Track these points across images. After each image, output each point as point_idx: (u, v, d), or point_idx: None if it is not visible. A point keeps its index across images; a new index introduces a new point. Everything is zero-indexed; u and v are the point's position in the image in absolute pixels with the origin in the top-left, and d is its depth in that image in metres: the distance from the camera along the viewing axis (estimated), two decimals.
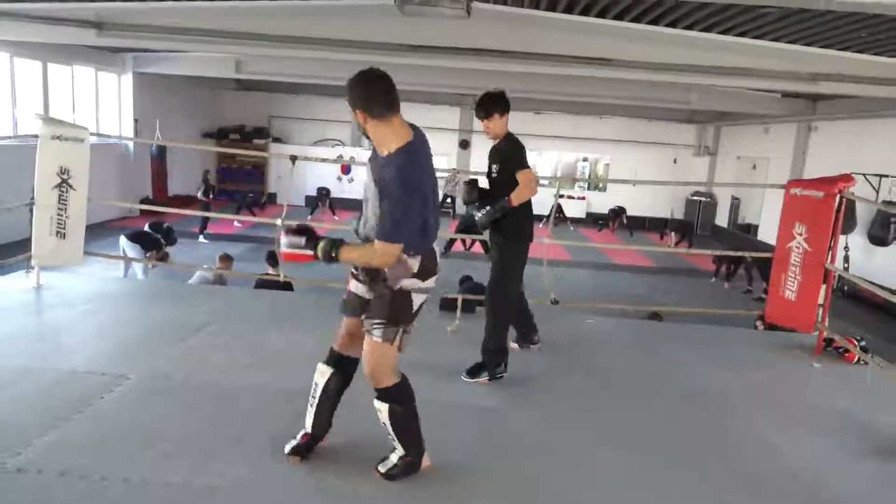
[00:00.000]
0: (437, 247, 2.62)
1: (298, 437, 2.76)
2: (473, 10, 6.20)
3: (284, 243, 2.52)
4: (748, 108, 15.15)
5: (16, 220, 5.01)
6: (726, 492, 2.84)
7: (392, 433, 2.59)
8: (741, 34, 8.18)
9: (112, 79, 15.67)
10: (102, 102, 15.36)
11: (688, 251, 14.97)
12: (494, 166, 3.77)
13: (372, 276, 2.52)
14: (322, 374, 2.71)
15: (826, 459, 3.20)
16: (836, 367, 4.52)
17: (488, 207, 3.69)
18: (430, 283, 2.57)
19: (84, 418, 2.97)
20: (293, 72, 14.73)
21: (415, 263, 2.49)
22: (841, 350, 4.65)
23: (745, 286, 12.71)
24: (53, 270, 5.24)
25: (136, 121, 15.95)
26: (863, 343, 4.66)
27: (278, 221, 4.89)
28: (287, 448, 2.74)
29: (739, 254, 11.44)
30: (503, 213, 3.65)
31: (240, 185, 19.82)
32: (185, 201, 16.65)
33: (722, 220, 20.15)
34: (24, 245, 4.98)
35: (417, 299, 2.54)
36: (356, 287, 2.63)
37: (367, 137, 2.52)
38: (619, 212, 19.57)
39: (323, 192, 18.40)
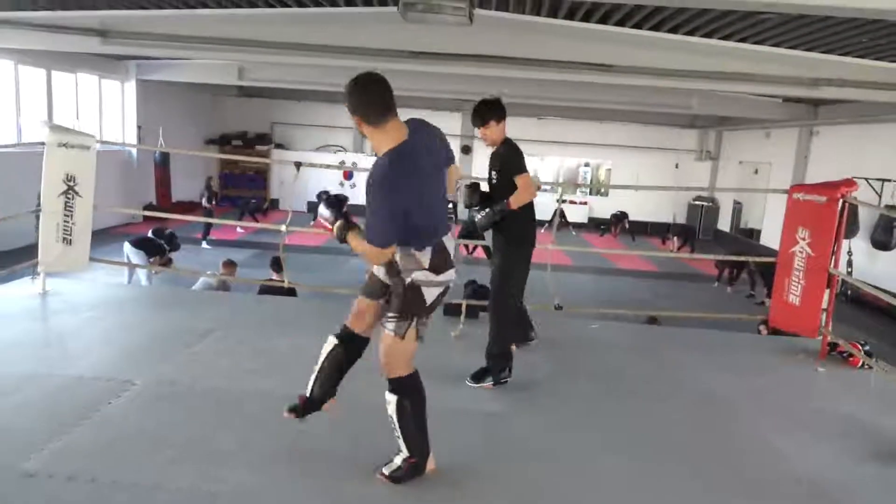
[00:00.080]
0: (451, 241, 2.64)
1: (297, 397, 2.82)
2: (475, 16, 6.23)
3: (319, 211, 2.68)
4: (750, 112, 15.19)
5: (21, 226, 5.05)
6: (730, 497, 2.84)
7: (397, 429, 2.61)
8: (742, 40, 8.21)
9: (115, 86, 15.76)
10: (106, 110, 15.45)
11: (690, 256, 14.97)
12: (494, 172, 3.79)
13: (388, 266, 2.60)
14: (329, 344, 2.78)
15: (830, 464, 3.20)
16: (840, 372, 4.52)
17: (488, 209, 3.71)
18: (447, 276, 2.58)
19: (91, 424, 2.99)
20: (295, 78, 14.82)
21: (424, 257, 2.52)
22: (845, 354, 4.65)
23: (747, 290, 12.71)
24: (58, 276, 5.26)
25: (139, 128, 16.03)
26: (867, 347, 4.66)
27: (282, 227, 4.91)
28: (286, 406, 2.80)
29: (742, 259, 11.46)
30: (503, 216, 3.67)
31: (242, 190, 19.89)
32: (189, 207, 16.72)
33: (724, 224, 20.15)
34: (28, 251, 5.01)
35: (431, 293, 2.56)
36: (378, 270, 2.69)
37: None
38: (621, 217, 19.59)
39: (324, 197, 18.42)
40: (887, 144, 12.45)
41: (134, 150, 15.98)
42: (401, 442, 2.63)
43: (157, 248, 9.54)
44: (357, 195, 19.74)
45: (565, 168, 22.11)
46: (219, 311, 5.06)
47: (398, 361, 2.58)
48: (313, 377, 2.79)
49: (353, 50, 9.05)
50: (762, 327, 6.77)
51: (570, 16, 8.05)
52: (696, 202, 20.64)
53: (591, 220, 20.85)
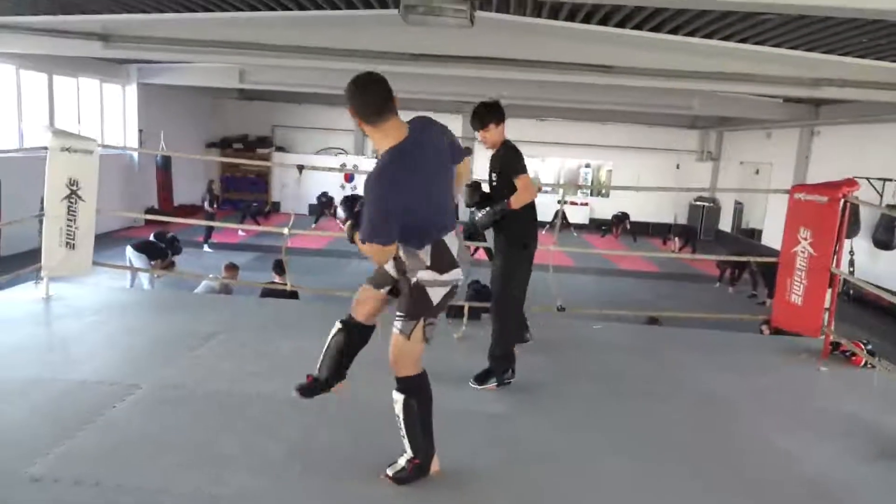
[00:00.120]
0: (455, 240, 2.60)
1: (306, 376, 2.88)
2: (476, 18, 6.24)
3: (337, 213, 2.74)
4: (750, 113, 15.20)
5: (24, 230, 5.06)
6: (732, 497, 2.85)
7: (403, 429, 2.61)
8: (742, 40, 8.22)
9: (117, 90, 15.80)
10: (107, 113, 15.48)
11: (692, 256, 14.98)
12: (494, 174, 3.81)
13: (395, 263, 2.62)
14: (335, 327, 2.84)
15: (833, 463, 3.20)
16: (842, 371, 4.52)
17: (488, 208, 3.72)
18: (452, 275, 2.57)
19: (96, 428, 3.00)
20: (296, 81, 14.86)
21: (425, 255, 2.52)
22: (848, 354, 4.65)
23: (749, 291, 12.71)
24: (61, 281, 5.27)
25: (140, 131, 16.06)
26: (869, 346, 4.66)
27: (285, 230, 4.92)
28: (295, 385, 2.86)
29: (744, 259, 11.45)
30: (503, 215, 3.68)
31: (244, 194, 19.93)
32: (191, 211, 16.75)
33: (725, 225, 20.15)
34: (31, 256, 5.02)
35: (436, 293, 2.56)
36: (388, 266, 2.70)
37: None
38: (622, 217, 19.60)
39: (324, 201, 18.43)
40: (888, 144, 12.46)
41: (135, 154, 16.01)
42: (406, 442, 2.64)
43: (159, 251, 9.56)
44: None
45: (566, 169, 22.13)
46: (221, 314, 5.07)
47: (406, 361, 2.60)
48: (320, 359, 2.86)
49: (354, 52, 9.07)
50: (764, 327, 6.77)
51: (570, 17, 8.06)
52: (698, 203, 20.65)
53: (592, 221, 20.86)
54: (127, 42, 9.49)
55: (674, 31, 8.13)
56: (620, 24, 8.11)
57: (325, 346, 2.84)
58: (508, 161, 3.71)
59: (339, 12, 8.47)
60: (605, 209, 20.71)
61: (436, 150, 2.55)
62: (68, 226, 4.83)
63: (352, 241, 2.61)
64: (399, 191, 2.40)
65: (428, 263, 2.53)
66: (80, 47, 9.63)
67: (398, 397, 2.60)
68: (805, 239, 4.64)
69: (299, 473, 2.74)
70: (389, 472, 2.67)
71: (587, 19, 8.08)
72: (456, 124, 20.12)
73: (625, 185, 20.23)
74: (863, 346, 4.58)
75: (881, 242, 11.99)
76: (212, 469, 2.71)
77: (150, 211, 14.98)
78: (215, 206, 15.56)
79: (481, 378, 3.75)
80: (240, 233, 15.40)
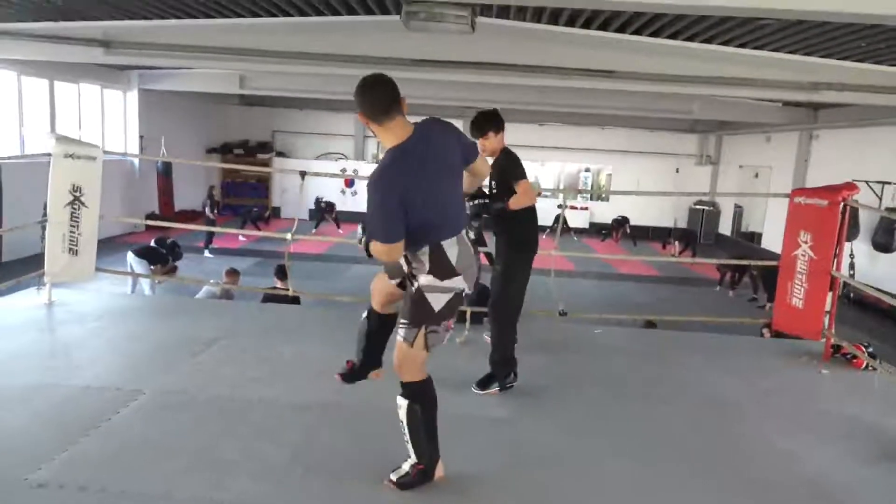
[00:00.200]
0: (456, 245, 2.56)
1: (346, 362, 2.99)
2: (476, 24, 6.27)
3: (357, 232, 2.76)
4: (749, 117, 15.24)
5: (26, 236, 5.08)
6: (734, 497, 2.86)
7: (407, 434, 2.62)
8: (741, 45, 8.25)
9: (118, 96, 15.85)
10: (108, 119, 15.52)
11: (692, 260, 15.00)
12: (493, 181, 3.83)
13: (406, 266, 2.63)
14: (362, 315, 2.98)
15: (835, 465, 3.21)
16: (843, 374, 4.53)
17: (478, 201, 3.71)
18: (452, 283, 2.56)
19: (100, 433, 3.01)
20: (296, 87, 14.89)
21: (424, 257, 2.53)
22: (849, 356, 4.66)
23: (749, 294, 12.71)
24: (63, 287, 5.28)
25: (141, 137, 16.09)
26: (870, 349, 4.67)
27: (288, 235, 4.93)
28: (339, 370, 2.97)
29: (744, 262, 11.46)
30: (498, 213, 3.68)
31: (244, 199, 19.97)
32: (192, 216, 16.77)
33: (725, 228, 20.18)
34: (33, 261, 5.04)
35: (437, 300, 2.55)
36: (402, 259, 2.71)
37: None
38: (622, 221, 19.62)
39: (324, 206, 18.43)
40: (887, 147, 12.49)
41: (136, 160, 16.04)
42: (410, 447, 2.64)
43: (161, 257, 9.57)
44: (358, 203, 19.81)
45: (566, 173, 22.17)
46: (222, 319, 5.08)
47: (410, 367, 2.60)
48: (356, 343, 2.97)
49: (355, 58, 9.09)
50: (765, 330, 6.79)
51: (570, 23, 8.09)
52: (697, 206, 20.68)
53: (592, 225, 20.88)
54: (128, 48, 9.51)
55: (673, 36, 8.16)
56: (620, 30, 8.13)
57: (357, 334, 2.97)
58: (507, 168, 3.74)
59: (340, 18, 8.50)
60: (605, 213, 20.73)
61: (442, 150, 2.55)
62: (71, 232, 4.85)
63: (367, 251, 2.59)
64: (400, 189, 2.41)
65: (427, 267, 2.54)
66: (81, 53, 9.65)
67: (402, 402, 2.60)
68: (805, 242, 4.65)
69: (300, 478, 2.75)
70: (393, 477, 2.68)
71: (587, 25, 8.10)
72: None
73: (625, 190, 20.24)
74: (864, 349, 4.59)
75: (880, 245, 12.01)
76: (213, 474, 2.72)
77: (151, 216, 15.01)
78: (216, 211, 15.58)
79: (483, 383, 3.77)
80: (240, 238, 15.41)
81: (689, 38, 8.17)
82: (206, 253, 13.88)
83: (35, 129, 12.66)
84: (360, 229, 2.69)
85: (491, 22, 7.88)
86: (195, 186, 18.23)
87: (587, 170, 22.22)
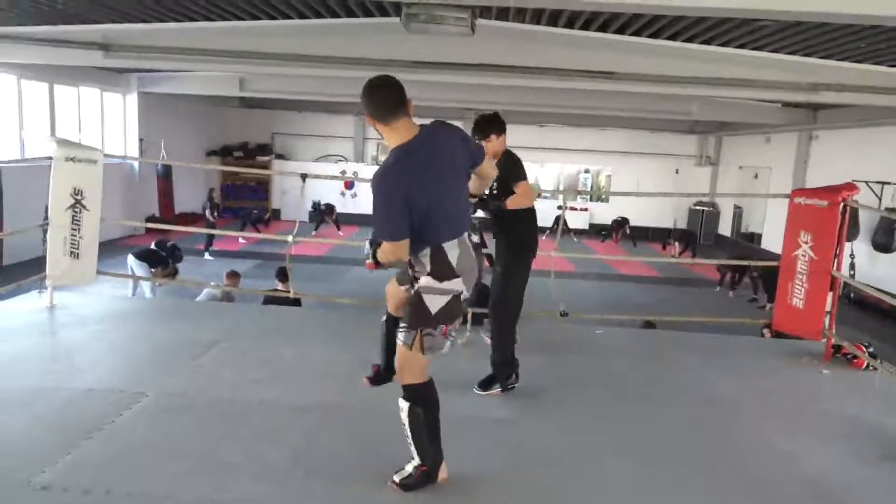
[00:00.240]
0: (457, 248, 2.57)
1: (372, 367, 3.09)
2: (476, 26, 6.28)
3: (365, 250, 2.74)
4: (749, 118, 15.25)
5: (27, 239, 5.08)
6: (736, 498, 2.86)
7: (409, 436, 2.63)
8: (740, 46, 8.25)
9: (117, 99, 15.85)
10: (108, 122, 15.52)
11: (692, 261, 15.01)
12: (494, 183, 3.84)
13: (412, 268, 2.64)
14: (381, 318, 3.08)
15: (835, 465, 3.22)
16: (844, 374, 4.53)
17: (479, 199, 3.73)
18: (451, 284, 2.56)
19: (104, 436, 3.02)
20: (296, 89, 14.91)
21: (425, 259, 2.54)
22: (849, 356, 4.67)
23: (749, 295, 12.72)
24: (65, 290, 5.29)
25: (141, 140, 16.10)
26: (871, 349, 4.68)
27: (289, 238, 4.94)
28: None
29: (744, 263, 11.47)
30: (496, 211, 3.70)
31: (244, 202, 19.96)
32: (192, 219, 16.78)
33: (725, 229, 20.19)
34: (34, 264, 5.04)
35: (434, 301, 2.55)
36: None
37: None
38: (622, 222, 19.63)
39: (324, 209, 18.43)
40: (886, 148, 12.51)
41: (136, 163, 16.04)
42: (413, 449, 2.65)
43: (161, 259, 9.58)
44: (358, 205, 19.83)
45: (566, 175, 22.18)
46: (223, 321, 5.09)
47: (410, 370, 2.61)
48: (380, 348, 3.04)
49: (354, 60, 9.11)
50: (766, 331, 6.79)
51: (569, 24, 8.10)
52: (697, 207, 20.69)
53: (592, 226, 20.89)
54: (128, 51, 9.53)
55: (672, 38, 8.17)
56: (619, 31, 8.14)
57: (380, 338, 3.03)
58: (508, 170, 3.76)
59: (339, 20, 8.51)
60: (604, 214, 20.74)
61: (448, 153, 2.57)
62: (72, 235, 4.86)
63: (375, 259, 2.60)
64: (404, 189, 2.43)
65: (428, 269, 2.55)
66: (81, 57, 9.67)
67: (403, 405, 2.61)
68: (806, 243, 4.66)
69: (301, 480, 2.75)
70: (396, 478, 2.68)
71: (586, 26, 8.11)
72: None
73: (624, 191, 20.25)
74: (864, 349, 4.60)
75: (880, 245, 12.02)
76: (215, 476, 2.73)
77: (151, 219, 15.00)
78: (216, 214, 15.59)
79: (485, 384, 3.78)
80: (240, 240, 15.42)
81: (689, 40, 8.18)
82: (207, 255, 13.88)
83: (35, 132, 12.67)
84: (367, 245, 2.66)
85: (490, 24, 7.89)
86: (195, 189, 18.23)
87: (587, 171, 22.24)
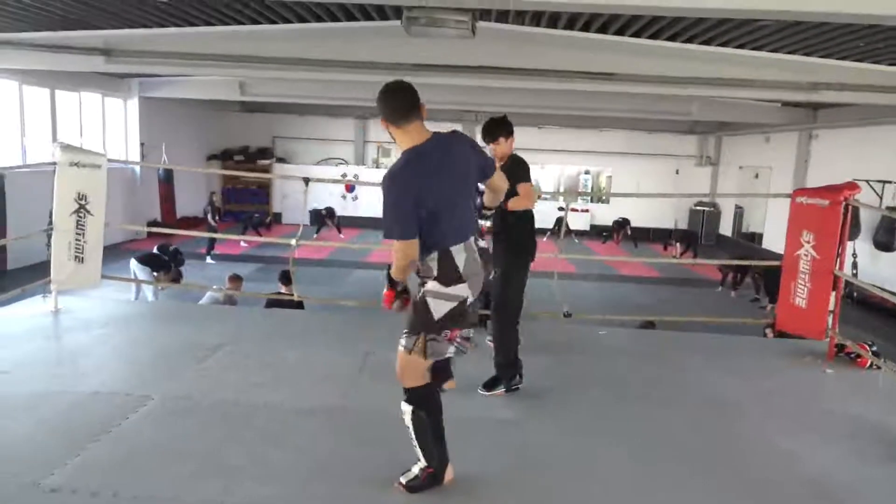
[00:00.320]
0: (464, 253, 2.58)
1: None
2: (476, 28, 6.30)
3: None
4: (749, 117, 15.26)
5: (30, 244, 5.11)
6: (737, 498, 2.87)
7: (414, 439, 2.64)
8: (740, 46, 8.27)
9: (118, 104, 15.88)
10: (109, 127, 15.55)
11: (693, 261, 15.00)
12: None
13: (417, 275, 2.64)
14: None
15: (838, 464, 3.22)
16: (848, 373, 4.54)
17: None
18: (456, 290, 2.57)
19: (111, 439, 3.03)
20: (296, 93, 14.94)
21: (432, 262, 2.56)
22: (853, 355, 4.67)
23: (751, 295, 12.71)
24: (69, 294, 5.31)
25: (142, 145, 16.13)
26: (874, 348, 4.69)
27: (293, 241, 4.95)
28: None
29: (746, 263, 11.47)
30: (497, 210, 3.73)
31: (245, 205, 19.98)
32: (194, 223, 16.80)
33: (726, 229, 20.20)
34: (38, 269, 5.06)
35: (439, 306, 2.56)
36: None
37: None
38: (622, 223, 19.63)
39: (324, 212, 18.45)
40: (887, 147, 12.51)
41: (138, 168, 16.07)
42: (418, 451, 2.66)
43: (163, 263, 9.59)
44: (359, 208, 19.85)
45: (566, 176, 22.20)
46: (226, 325, 5.10)
47: (411, 374, 2.62)
48: None
49: (354, 64, 9.14)
50: (768, 330, 6.80)
51: (569, 26, 8.12)
52: (698, 207, 20.70)
53: (593, 227, 20.89)
54: (129, 56, 9.56)
55: (672, 38, 8.19)
56: (619, 32, 8.16)
57: None
58: (513, 171, 3.78)
59: (339, 24, 8.53)
60: (605, 215, 20.75)
61: (461, 160, 2.62)
62: (77, 239, 4.88)
63: (390, 277, 2.62)
64: (414, 191, 2.47)
65: (435, 273, 2.56)
66: (82, 62, 9.70)
67: (406, 409, 2.63)
68: (808, 242, 4.67)
69: (305, 483, 2.76)
70: (403, 480, 2.69)
71: (586, 28, 8.13)
72: None
73: (625, 192, 20.26)
74: (868, 348, 4.61)
75: (882, 244, 12.02)
76: (220, 479, 2.74)
77: (152, 224, 15.03)
78: (217, 218, 15.61)
79: (489, 385, 3.80)
80: (242, 244, 15.45)
81: (688, 40, 8.20)
82: (209, 259, 13.90)
83: (37, 138, 12.69)
84: (385, 277, 2.67)
85: (490, 26, 7.91)
86: (196, 193, 18.26)
87: (587, 172, 22.26)
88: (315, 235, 17.22)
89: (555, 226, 17.33)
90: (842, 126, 13.87)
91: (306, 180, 5.28)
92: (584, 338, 5.15)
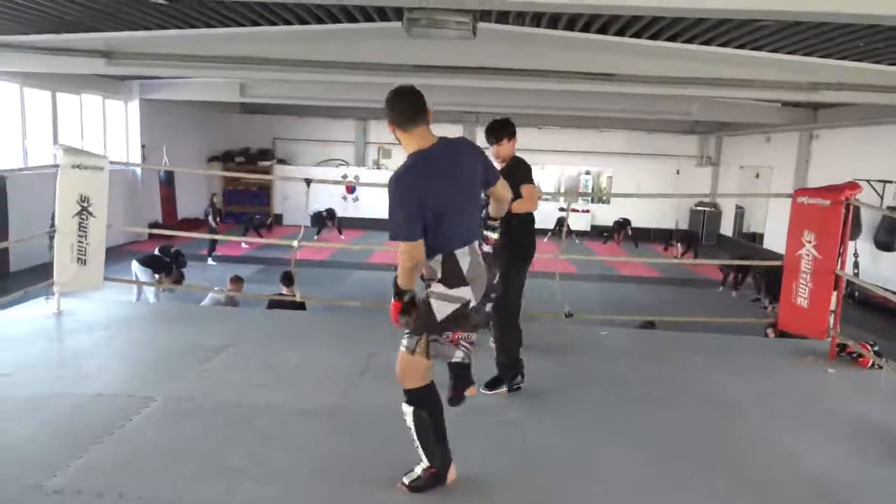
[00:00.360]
0: (468, 256, 2.60)
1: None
2: (476, 29, 6.30)
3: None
4: (749, 118, 15.25)
5: (32, 246, 5.12)
6: (739, 498, 2.87)
7: (416, 440, 2.65)
8: (740, 46, 8.28)
9: (119, 106, 15.90)
10: (110, 129, 15.57)
11: (694, 261, 14.99)
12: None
13: (422, 278, 2.65)
14: None
15: (839, 464, 3.22)
16: (850, 372, 4.54)
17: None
18: (459, 292, 2.59)
19: (114, 440, 3.04)
20: (296, 94, 14.94)
21: (436, 265, 2.57)
22: (854, 355, 4.68)
23: (752, 295, 12.71)
24: (71, 296, 5.32)
25: (143, 146, 16.14)
26: (876, 348, 4.69)
27: (294, 242, 4.96)
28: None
29: (747, 263, 11.46)
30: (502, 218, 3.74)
31: (246, 207, 19.98)
32: (195, 224, 16.81)
33: (727, 229, 20.18)
34: (40, 271, 5.07)
35: (442, 308, 2.57)
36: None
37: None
38: (623, 223, 19.63)
39: (324, 214, 18.46)
40: (888, 146, 12.51)
41: (138, 169, 16.08)
42: (420, 451, 2.67)
43: (164, 265, 9.60)
44: (360, 209, 19.85)
45: (566, 177, 22.19)
46: (228, 326, 5.11)
47: (411, 375, 2.63)
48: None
49: (355, 65, 9.15)
50: (770, 330, 6.80)
51: (569, 27, 8.12)
52: (699, 207, 20.69)
53: (593, 227, 20.89)
54: (130, 59, 9.57)
55: (672, 39, 8.19)
56: (619, 33, 8.17)
57: None
58: (516, 173, 3.80)
59: (340, 26, 8.54)
60: (606, 216, 20.74)
61: (468, 165, 2.65)
62: (79, 241, 4.89)
63: (397, 284, 2.56)
64: (420, 194, 2.48)
65: (439, 275, 2.57)
66: (83, 65, 9.71)
67: (407, 409, 2.64)
68: (809, 242, 4.67)
69: (307, 483, 2.77)
70: (406, 480, 2.70)
71: (586, 28, 8.14)
72: (456, 134, 20.20)
73: (625, 192, 20.26)
74: (869, 348, 4.61)
75: (882, 244, 12.01)
76: (222, 479, 2.75)
77: (153, 225, 15.04)
78: (218, 219, 15.62)
79: (491, 384, 3.81)
80: (243, 245, 15.46)
81: (689, 41, 8.21)
82: (210, 261, 13.91)
83: (38, 140, 12.71)
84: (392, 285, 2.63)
85: (490, 27, 7.92)
86: (197, 195, 18.27)
87: (587, 172, 22.25)
88: (316, 237, 17.22)
89: (556, 226, 17.33)
90: (842, 126, 13.87)
91: (308, 181, 5.28)
92: (585, 338, 5.15)
